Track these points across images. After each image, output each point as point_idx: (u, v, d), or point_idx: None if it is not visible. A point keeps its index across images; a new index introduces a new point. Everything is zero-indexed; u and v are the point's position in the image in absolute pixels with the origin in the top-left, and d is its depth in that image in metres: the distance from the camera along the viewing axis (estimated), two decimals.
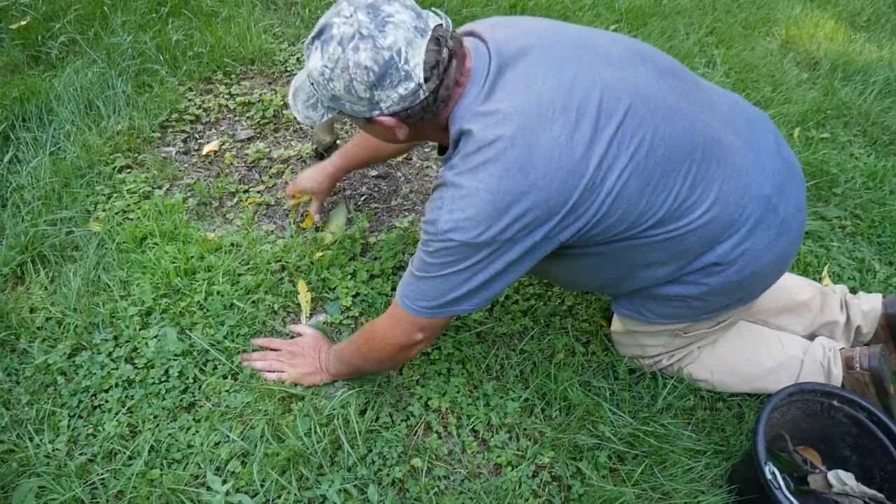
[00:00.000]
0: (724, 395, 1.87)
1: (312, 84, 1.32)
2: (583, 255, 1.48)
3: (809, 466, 1.73)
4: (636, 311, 1.68)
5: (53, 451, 1.52)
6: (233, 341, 1.76)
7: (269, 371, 1.71)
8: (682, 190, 1.37)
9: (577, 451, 1.69)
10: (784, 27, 3.54)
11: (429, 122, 1.35)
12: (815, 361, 1.84)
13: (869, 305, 1.93)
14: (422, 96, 1.27)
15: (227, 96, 2.52)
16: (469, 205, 1.27)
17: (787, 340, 1.88)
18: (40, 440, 1.54)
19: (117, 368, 1.67)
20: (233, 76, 2.61)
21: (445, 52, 1.27)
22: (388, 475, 1.58)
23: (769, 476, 1.50)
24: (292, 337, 1.82)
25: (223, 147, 2.35)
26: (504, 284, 1.41)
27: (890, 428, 1.63)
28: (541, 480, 1.64)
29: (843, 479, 1.63)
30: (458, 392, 1.75)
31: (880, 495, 1.57)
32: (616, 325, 1.86)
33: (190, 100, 2.47)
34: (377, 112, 1.30)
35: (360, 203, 2.26)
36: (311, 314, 1.87)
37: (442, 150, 1.52)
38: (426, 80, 1.25)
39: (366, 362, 1.63)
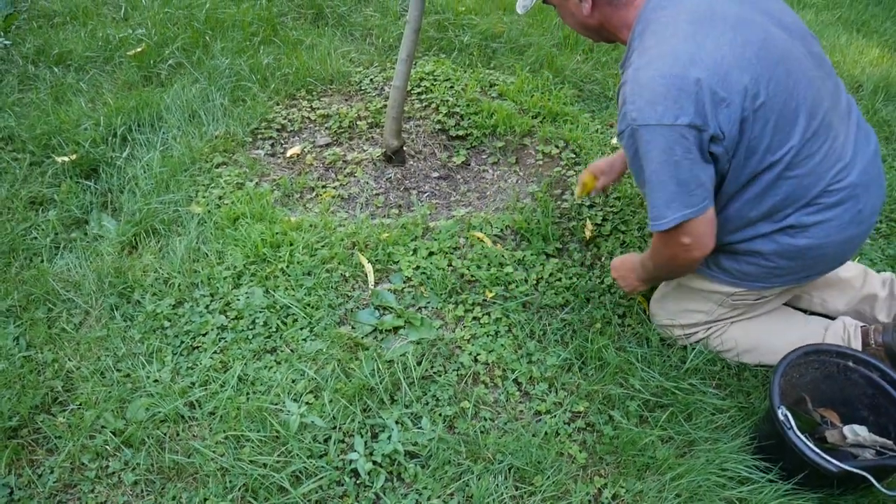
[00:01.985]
0: (749, 366, 2.03)
1: None
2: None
3: (829, 425, 1.87)
4: (705, 265, 1.87)
5: (160, 377, 1.82)
6: (310, 300, 2.04)
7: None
8: (798, 142, 1.60)
9: (609, 402, 1.88)
10: (829, 53, 3.71)
11: (609, 5, 1.67)
12: (835, 336, 1.98)
13: None
14: None
15: (308, 109, 2.87)
16: (646, 90, 1.52)
17: (812, 319, 2.04)
18: (150, 369, 1.84)
19: (213, 317, 1.97)
20: (314, 93, 2.96)
21: None
22: (439, 414, 1.81)
23: (781, 418, 1.66)
24: None
25: (304, 151, 2.68)
26: (705, 173, 1.57)
27: None
28: (576, 426, 1.84)
29: (856, 431, 1.78)
30: (504, 349, 1.98)
31: (889, 442, 1.71)
32: (661, 288, 2.06)
33: (277, 112, 2.83)
34: None
35: (422, 199, 2.54)
36: (376, 282, 2.14)
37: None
38: None
39: (657, 270, 1.87)
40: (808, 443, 1.62)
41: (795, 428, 1.65)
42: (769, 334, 2.00)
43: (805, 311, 2.12)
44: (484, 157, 2.78)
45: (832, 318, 2.06)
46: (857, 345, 1.97)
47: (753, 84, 1.53)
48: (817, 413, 1.89)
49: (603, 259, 2.32)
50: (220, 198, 2.38)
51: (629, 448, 1.77)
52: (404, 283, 2.15)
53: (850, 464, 1.61)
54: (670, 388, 1.90)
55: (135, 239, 2.21)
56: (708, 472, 1.72)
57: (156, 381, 1.81)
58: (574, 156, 2.73)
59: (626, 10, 1.68)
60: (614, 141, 2.82)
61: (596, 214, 2.46)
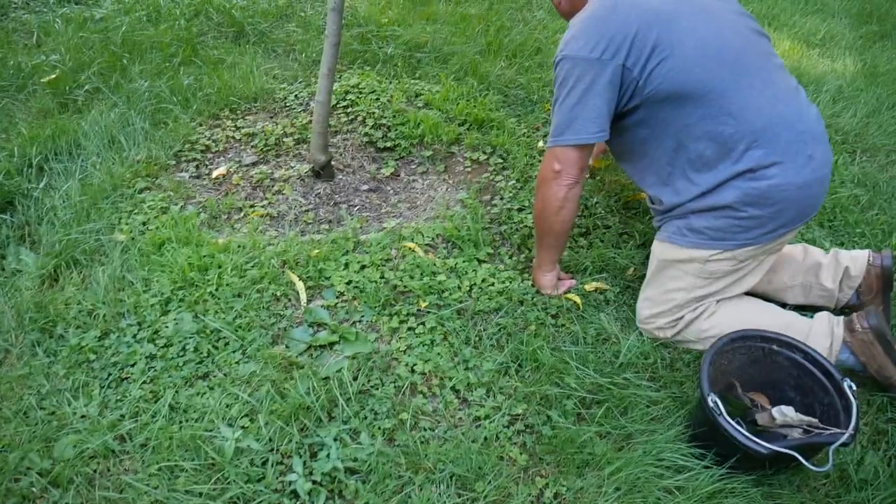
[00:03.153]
0: (682, 356, 2.08)
1: None
2: (645, 122, 1.91)
3: (759, 408, 1.92)
4: (679, 232, 1.98)
5: (87, 412, 1.76)
6: (241, 322, 2.00)
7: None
8: (727, 81, 1.81)
9: (546, 402, 1.90)
10: None
11: None
12: (822, 322, 2.04)
13: (856, 252, 2.17)
14: None
15: (233, 129, 2.83)
16: (576, 32, 1.84)
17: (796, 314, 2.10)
18: (77, 405, 1.78)
19: (141, 346, 1.92)
20: (238, 112, 2.93)
21: None
22: (378, 427, 1.80)
23: (711, 405, 1.71)
24: None
25: (231, 171, 2.64)
26: (603, 104, 1.84)
27: (823, 364, 1.83)
28: (515, 429, 1.85)
29: (784, 412, 1.83)
30: (440, 358, 1.98)
31: (814, 420, 1.77)
32: (647, 275, 2.12)
33: (200, 133, 2.78)
34: None
35: (353, 213, 2.53)
36: (309, 300, 2.12)
37: None
38: None
39: (536, 219, 2.11)
40: (738, 427, 1.66)
41: (725, 413, 1.69)
42: (760, 315, 2.04)
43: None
44: (413, 167, 2.79)
45: (787, 304, 2.19)
46: (839, 331, 2.01)
47: (664, 29, 1.80)
48: (747, 397, 1.94)
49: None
50: (144, 224, 2.33)
51: (568, 446, 1.79)
52: (337, 298, 2.14)
53: (779, 444, 1.67)
54: (605, 384, 1.93)
55: (55, 271, 2.14)
56: (645, 463, 1.75)
57: (83, 416, 1.76)
58: (502, 161, 2.76)
59: None
60: (541, 144, 2.86)
61: (526, 217, 2.49)
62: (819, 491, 1.80)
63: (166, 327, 1.96)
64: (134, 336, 1.95)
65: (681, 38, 1.79)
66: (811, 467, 1.63)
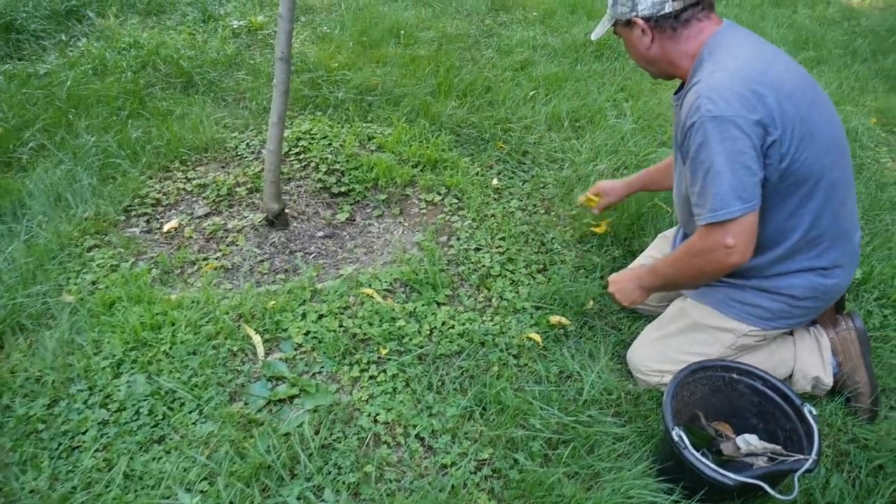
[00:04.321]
0: (648, 391, 2.08)
1: (611, 7, 1.91)
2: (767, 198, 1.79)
3: (723, 438, 1.93)
4: (726, 302, 1.98)
5: (37, 486, 1.69)
6: (197, 381, 1.95)
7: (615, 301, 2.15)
8: (840, 175, 1.82)
9: (512, 445, 1.88)
10: None
11: (671, 39, 1.84)
12: (805, 333, 2.10)
13: None
14: (667, 9, 1.80)
15: (184, 180, 2.79)
16: (723, 91, 1.67)
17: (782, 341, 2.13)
18: (25, 479, 1.71)
19: (93, 412, 1.85)
20: (189, 163, 2.89)
21: None
22: (342, 482, 1.76)
23: (676, 438, 1.70)
24: None
25: (182, 224, 2.60)
26: (762, 171, 1.71)
27: (782, 390, 1.85)
28: (482, 474, 1.82)
29: (748, 441, 1.84)
30: (403, 406, 1.95)
31: (778, 447, 1.78)
32: (653, 332, 2.11)
33: (150, 186, 2.74)
34: (635, 13, 1.83)
35: (308, 260, 2.50)
36: (266, 353, 2.08)
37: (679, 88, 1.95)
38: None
39: (679, 277, 1.94)
40: (704, 460, 1.66)
41: (690, 446, 1.69)
42: (761, 355, 2.06)
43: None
44: (368, 210, 2.77)
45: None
46: (824, 340, 2.08)
47: (808, 109, 1.73)
48: (711, 427, 1.95)
49: (493, 300, 2.34)
50: (93, 283, 2.27)
51: (536, 490, 1.76)
52: (295, 350, 2.10)
53: (745, 475, 1.66)
54: (570, 422, 1.92)
55: (0, 338, 2.07)
56: (614, 502, 1.73)
57: (32, 491, 1.68)
58: (457, 201, 2.77)
59: (688, 42, 1.84)
60: (495, 182, 2.88)
61: (483, 257, 2.49)
62: None
63: (119, 391, 1.90)
64: (85, 402, 1.88)
65: (818, 122, 1.75)
66: (777, 496, 1.64)
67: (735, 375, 1.92)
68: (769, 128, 1.67)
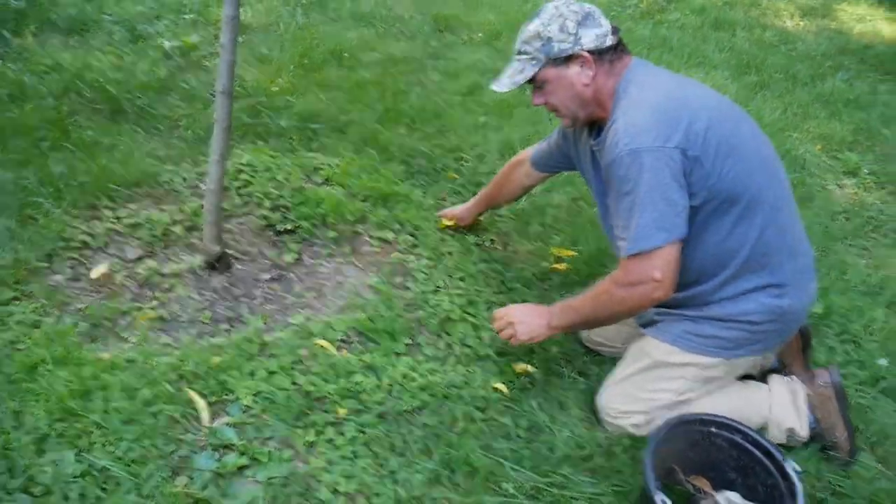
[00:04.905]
0: (620, 440, 1.98)
1: (520, 54, 1.87)
2: (696, 224, 1.78)
3: (701, 493, 1.84)
4: (684, 337, 1.92)
5: None
6: (134, 456, 1.75)
7: (501, 336, 2.05)
8: (778, 192, 1.83)
9: None
10: None
11: (605, 75, 1.82)
12: (781, 388, 2.04)
13: None
14: (608, 42, 1.81)
15: (113, 220, 2.57)
16: (643, 123, 1.70)
17: (750, 382, 2.10)
18: None
19: (13, 499, 1.63)
20: (118, 200, 2.66)
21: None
22: None
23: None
24: None
25: (113, 269, 2.38)
26: (685, 200, 1.72)
27: (763, 445, 1.78)
28: None
29: (730, 499, 1.76)
30: (364, 473, 1.80)
31: None
32: (628, 368, 2.01)
33: (76, 227, 2.50)
34: (579, 47, 1.79)
35: (254, 306, 2.32)
36: (212, 418, 1.90)
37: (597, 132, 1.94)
38: (613, 33, 1.83)
39: (601, 310, 1.88)
40: None
41: None
42: (737, 401, 2.00)
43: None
44: (317, 249, 2.61)
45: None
46: (800, 391, 2.03)
47: (731, 128, 1.76)
48: (689, 483, 1.86)
49: (455, 347, 2.21)
50: (11, 343, 2.03)
51: None
52: (244, 412, 1.92)
53: None
54: (544, 484, 1.81)
55: None
56: None
57: None
58: (411, 238, 2.63)
59: (612, 79, 1.83)
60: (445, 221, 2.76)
61: (442, 299, 2.36)
62: None
63: (44, 471, 1.68)
64: (4, 487, 1.66)
65: (744, 139, 1.77)
66: None
67: (714, 429, 1.85)
68: (688, 151, 1.68)
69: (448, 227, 2.66)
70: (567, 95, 1.89)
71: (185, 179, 2.81)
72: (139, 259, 2.45)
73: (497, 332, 2.07)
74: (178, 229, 2.56)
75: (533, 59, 1.86)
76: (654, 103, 1.73)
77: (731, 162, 1.72)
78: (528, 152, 2.43)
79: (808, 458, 1.97)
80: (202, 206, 2.59)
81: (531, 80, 1.90)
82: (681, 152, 1.67)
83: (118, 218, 2.59)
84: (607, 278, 1.86)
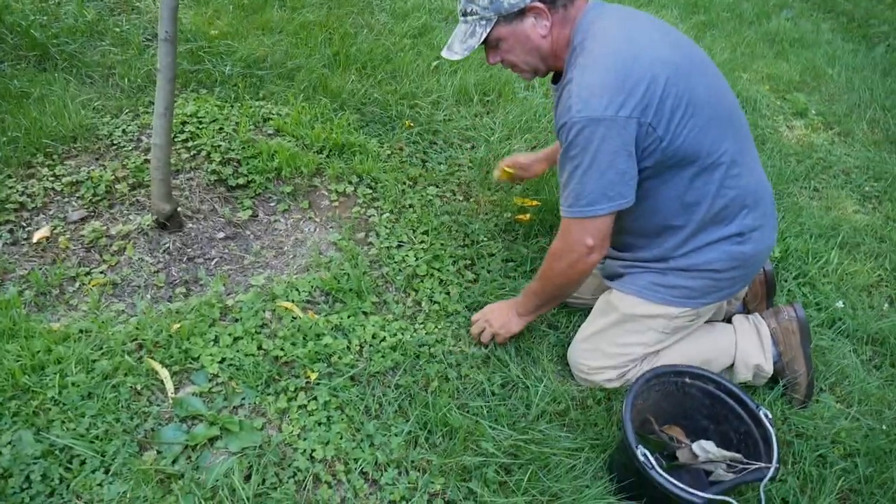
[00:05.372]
0: (593, 393, 1.99)
1: (467, 15, 1.75)
2: (653, 178, 1.76)
3: (676, 443, 1.87)
4: (650, 288, 1.91)
5: None
6: (97, 432, 1.67)
7: (482, 341, 2.04)
8: (736, 143, 1.77)
9: (465, 473, 1.74)
10: None
11: (560, 23, 1.73)
12: (743, 327, 2.07)
13: None
14: None
15: (51, 178, 2.40)
16: (594, 88, 1.62)
17: (717, 324, 2.13)
18: None
19: None
20: (55, 157, 2.49)
21: None
22: None
23: (642, 458, 1.62)
24: None
25: (55, 231, 2.23)
26: (633, 166, 1.69)
27: (736, 393, 1.81)
28: None
29: (705, 448, 1.79)
30: (340, 438, 1.76)
31: (738, 455, 1.74)
32: (597, 322, 1.99)
33: (11, 187, 2.33)
34: None
35: (211, 267, 2.22)
36: (177, 389, 1.82)
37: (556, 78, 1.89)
38: None
39: (550, 287, 1.90)
40: (672, 479, 1.58)
41: (657, 467, 1.61)
42: (696, 341, 2.02)
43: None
44: (272, 205, 2.50)
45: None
46: (763, 329, 2.06)
47: (685, 86, 1.66)
48: (664, 433, 1.89)
49: (423, 304, 2.17)
50: None
51: None
52: (210, 381, 1.84)
53: (713, 491, 1.61)
54: (522, 441, 1.80)
55: None
56: None
57: None
58: (371, 191, 2.55)
59: (568, 27, 1.75)
60: (412, 170, 2.67)
61: (407, 255, 2.30)
62: None
63: (1, 454, 1.59)
64: None
65: (699, 96, 1.69)
66: None
67: (687, 380, 1.87)
68: (641, 118, 1.63)
69: (506, 177, 2.41)
70: (525, 50, 1.79)
71: (125, 132, 2.64)
72: (83, 220, 2.30)
73: (477, 338, 2.07)
74: (122, 187, 2.41)
75: (482, 18, 1.74)
76: (609, 64, 1.63)
77: (687, 124, 1.67)
78: None
79: (773, 402, 2.02)
80: (147, 162, 2.45)
81: (484, 41, 1.79)
82: (635, 121, 1.63)
83: (56, 176, 2.42)
84: (549, 252, 1.85)
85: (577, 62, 1.68)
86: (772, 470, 1.63)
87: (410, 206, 2.51)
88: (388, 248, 2.32)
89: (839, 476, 1.86)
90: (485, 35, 1.75)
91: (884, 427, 2.02)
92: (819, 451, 1.94)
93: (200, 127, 2.66)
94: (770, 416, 1.73)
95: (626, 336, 1.96)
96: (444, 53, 1.85)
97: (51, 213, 2.31)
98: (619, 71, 1.62)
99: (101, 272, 2.13)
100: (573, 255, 1.78)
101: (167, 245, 2.26)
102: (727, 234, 1.84)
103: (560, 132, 1.70)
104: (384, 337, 2.03)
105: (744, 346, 2.03)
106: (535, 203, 2.52)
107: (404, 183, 2.61)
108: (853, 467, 1.90)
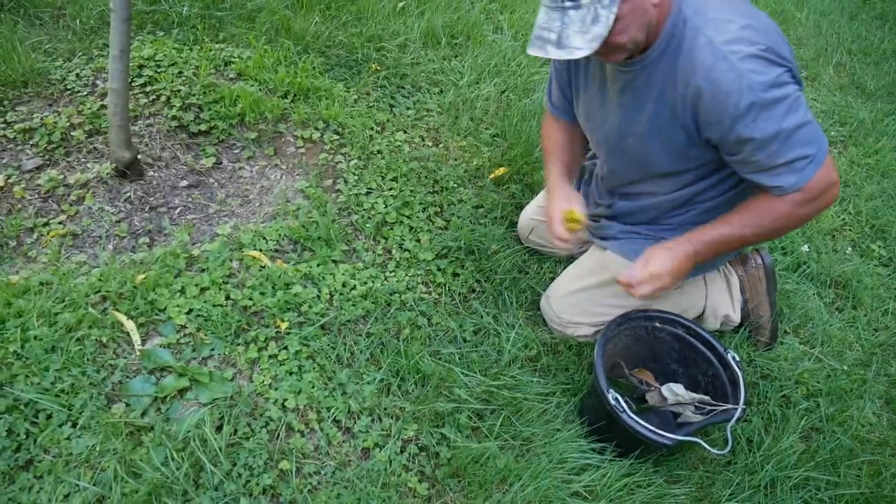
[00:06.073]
0: (565, 340, 2.00)
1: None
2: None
3: (645, 386, 1.90)
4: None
5: None
6: (63, 385, 1.63)
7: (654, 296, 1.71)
8: None
9: (438, 419, 1.75)
10: None
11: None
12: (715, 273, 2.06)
13: None
14: None
15: (2, 125, 2.30)
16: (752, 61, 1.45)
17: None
18: None
19: None
20: (5, 103, 2.38)
21: None
22: (257, 484, 1.56)
23: (613, 402, 1.64)
24: None
25: (10, 181, 2.15)
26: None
27: (704, 337, 1.83)
28: (409, 454, 1.69)
29: (674, 391, 1.82)
30: (312, 387, 1.75)
31: (706, 398, 1.77)
32: (585, 280, 1.98)
33: None
34: None
35: (175, 216, 2.16)
36: (143, 340, 1.78)
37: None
38: None
39: (769, 233, 1.67)
40: (643, 422, 1.61)
41: (628, 410, 1.63)
42: (674, 297, 1.99)
43: None
44: (236, 152, 2.44)
45: None
46: (733, 278, 2.08)
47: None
48: (634, 377, 1.92)
49: (393, 251, 2.15)
50: None
51: (470, 466, 1.66)
52: (178, 332, 1.81)
53: (682, 433, 1.65)
54: (495, 387, 1.81)
55: None
56: (551, 471, 1.66)
57: None
58: (338, 137, 2.49)
59: None
60: (380, 115, 2.61)
61: (376, 202, 2.27)
62: (713, 461, 1.82)
63: None
64: None
65: None
66: (713, 451, 1.63)
67: (657, 324, 1.89)
68: (793, 71, 1.52)
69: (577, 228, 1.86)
70: (639, 26, 1.49)
71: (79, 76, 2.53)
72: (38, 168, 2.22)
73: (648, 297, 1.73)
74: (78, 134, 2.32)
75: (608, 3, 1.41)
76: (754, 39, 1.46)
77: None
78: (549, 109, 2.03)
79: (738, 345, 2.06)
80: (104, 108, 2.36)
81: None
82: (794, 80, 1.51)
83: (8, 123, 2.32)
84: (777, 202, 1.57)
85: (707, 33, 1.48)
86: (738, 411, 1.67)
87: (379, 152, 2.47)
88: (356, 195, 2.28)
89: (802, 416, 1.92)
90: (612, 17, 1.41)
91: (845, 367, 2.08)
92: (783, 391, 1.99)
93: (159, 71, 2.56)
94: (738, 358, 1.76)
95: (611, 298, 1.94)
96: (559, 54, 1.46)
97: (4, 161, 2.22)
98: (764, 48, 1.46)
99: (60, 223, 2.07)
100: (827, 195, 1.57)
101: (128, 194, 2.20)
102: None
103: (743, 116, 1.48)
104: (354, 285, 2.01)
105: (714, 298, 2.04)
106: (503, 171, 2.46)
107: (372, 128, 2.56)
108: (815, 407, 1.96)
